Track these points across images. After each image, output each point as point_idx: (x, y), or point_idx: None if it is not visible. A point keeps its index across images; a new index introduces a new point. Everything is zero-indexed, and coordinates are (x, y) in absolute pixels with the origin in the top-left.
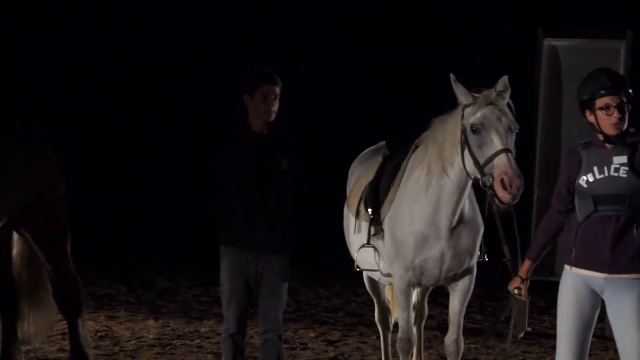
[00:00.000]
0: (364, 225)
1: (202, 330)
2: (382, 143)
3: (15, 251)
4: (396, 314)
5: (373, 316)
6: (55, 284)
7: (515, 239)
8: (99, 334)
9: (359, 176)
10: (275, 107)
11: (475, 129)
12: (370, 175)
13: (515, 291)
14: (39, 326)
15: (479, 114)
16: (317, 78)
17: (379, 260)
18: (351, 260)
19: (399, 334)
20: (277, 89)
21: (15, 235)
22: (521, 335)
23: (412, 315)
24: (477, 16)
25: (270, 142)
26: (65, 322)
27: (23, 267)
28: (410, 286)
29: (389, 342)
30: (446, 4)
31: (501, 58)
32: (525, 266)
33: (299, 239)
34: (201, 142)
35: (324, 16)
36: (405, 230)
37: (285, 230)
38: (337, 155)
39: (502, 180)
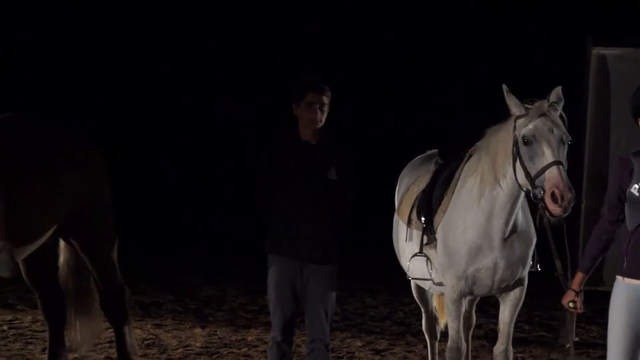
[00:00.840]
0: (416, 233)
1: (249, 338)
2: (432, 151)
3: (61, 259)
4: (445, 323)
5: (420, 325)
6: (102, 292)
7: (565, 252)
8: (146, 342)
9: (410, 184)
10: (321, 116)
11: (526, 141)
12: (421, 183)
13: (571, 305)
14: (86, 334)
15: (530, 126)
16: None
17: (431, 269)
18: (398, 269)
19: (449, 344)
20: (324, 98)
21: (61, 243)
22: (568, 345)
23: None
24: (524, 25)
25: (319, 152)
26: (112, 330)
27: (70, 275)
28: (462, 296)
29: (436, 351)
30: (497, 13)
31: (548, 67)
32: (578, 279)
33: (347, 248)
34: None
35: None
36: (459, 240)
37: (332, 240)
38: (385, 163)
39: (552, 194)
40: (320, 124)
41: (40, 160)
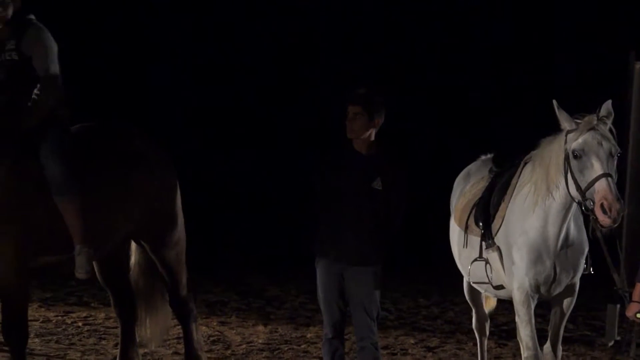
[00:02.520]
0: (475, 239)
1: (309, 336)
2: (486, 157)
3: (133, 260)
4: (492, 308)
5: (469, 324)
6: (171, 291)
7: (619, 262)
8: (212, 338)
9: (465, 191)
10: (354, 125)
11: (576, 155)
12: (476, 190)
13: (638, 315)
14: (155, 330)
15: (580, 140)
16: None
17: (491, 273)
18: (449, 271)
19: (525, 354)
20: (358, 108)
21: (133, 245)
22: (611, 343)
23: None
24: (567, 39)
25: (367, 162)
26: (180, 327)
27: (140, 275)
28: (529, 297)
29: (485, 348)
30: (541, 29)
31: (593, 79)
32: (638, 290)
33: (401, 251)
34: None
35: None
36: (518, 243)
37: (373, 245)
38: (439, 165)
39: (602, 205)
40: (356, 134)
41: (119, 167)
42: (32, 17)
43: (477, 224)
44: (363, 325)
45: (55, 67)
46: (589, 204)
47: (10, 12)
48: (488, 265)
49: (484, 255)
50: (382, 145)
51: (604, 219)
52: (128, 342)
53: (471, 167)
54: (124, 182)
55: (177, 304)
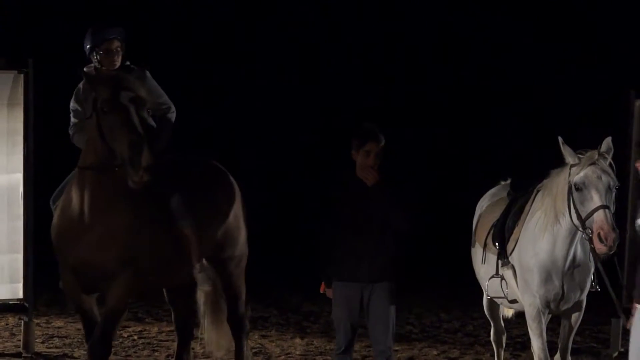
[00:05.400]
0: (492, 257)
1: None
2: (504, 183)
3: (199, 280)
4: (512, 313)
5: (487, 337)
6: (231, 307)
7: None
8: (254, 350)
9: (485, 212)
10: (377, 160)
11: (578, 187)
12: (495, 212)
13: None
14: (222, 342)
15: (581, 174)
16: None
17: (506, 288)
18: (468, 289)
19: None
20: (379, 145)
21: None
22: (615, 354)
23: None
24: (576, 80)
25: (373, 190)
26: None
27: (207, 295)
28: (540, 313)
29: (502, 358)
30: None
31: (598, 116)
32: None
33: (424, 270)
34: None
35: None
36: (530, 263)
37: (387, 263)
38: (463, 188)
39: (599, 234)
40: (376, 166)
41: (207, 194)
42: (128, 63)
43: (494, 244)
44: (380, 340)
45: (167, 97)
46: (588, 232)
47: (119, 60)
48: (504, 281)
49: (500, 272)
50: (382, 173)
51: (600, 247)
52: (182, 354)
53: (492, 190)
54: (212, 207)
55: (234, 319)
